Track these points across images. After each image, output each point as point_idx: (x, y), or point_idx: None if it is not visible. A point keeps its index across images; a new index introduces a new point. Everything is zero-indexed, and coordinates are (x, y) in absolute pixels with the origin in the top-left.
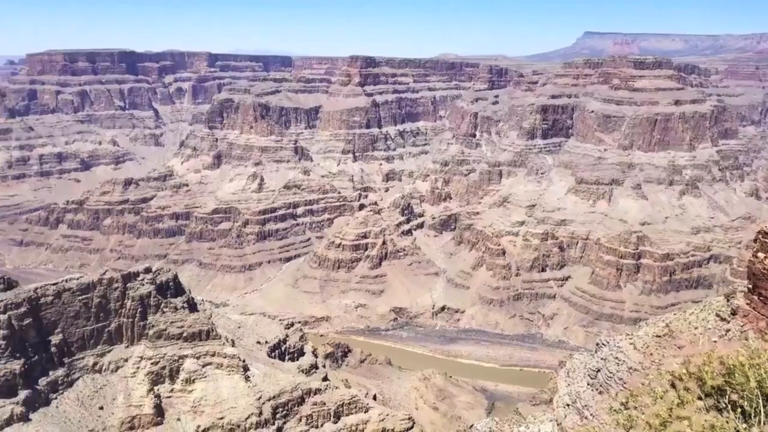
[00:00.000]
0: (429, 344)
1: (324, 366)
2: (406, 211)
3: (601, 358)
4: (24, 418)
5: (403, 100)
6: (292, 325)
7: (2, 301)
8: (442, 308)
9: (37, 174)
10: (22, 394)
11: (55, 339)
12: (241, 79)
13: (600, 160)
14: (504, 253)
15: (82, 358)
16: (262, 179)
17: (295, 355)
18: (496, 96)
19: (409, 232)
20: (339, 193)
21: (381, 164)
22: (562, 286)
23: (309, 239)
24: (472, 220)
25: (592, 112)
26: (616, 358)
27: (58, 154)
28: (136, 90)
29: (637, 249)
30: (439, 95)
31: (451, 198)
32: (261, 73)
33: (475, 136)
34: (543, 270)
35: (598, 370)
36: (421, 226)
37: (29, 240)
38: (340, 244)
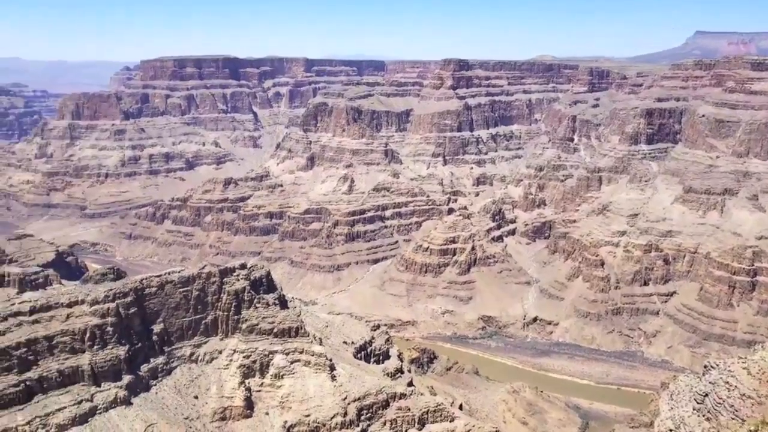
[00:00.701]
0: (519, 356)
1: (409, 371)
2: (497, 217)
3: (710, 382)
4: (126, 402)
5: (496, 103)
6: (378, 327)
7: (111, 290)
8: (534, 319)
9: (147, 172)
10: (126, 378)
11: (156, 328)
12: (336, 83)
13: (711, 167)
14: (603, 264)
15: (181, 347)
16: (352, 181)
17: (381, 357)
18: (597, 99)
19: (499, 238)
20: (428, 196)
21: (472, 168)
22: (666, 301)
23: (396, 242)
24: (569, 228)
25: (703, 116)
26: (727, 382)
27: (165, 154)
28: (237, 94)
29: (753, 265)
30: (535, 98)
31: (545, 204)
32: (355, 77)
33: (572, 140)
34: (645, 284)
35: (706, 395)
36: (512, 232)
37: (137, 234)
38: (427, 248)
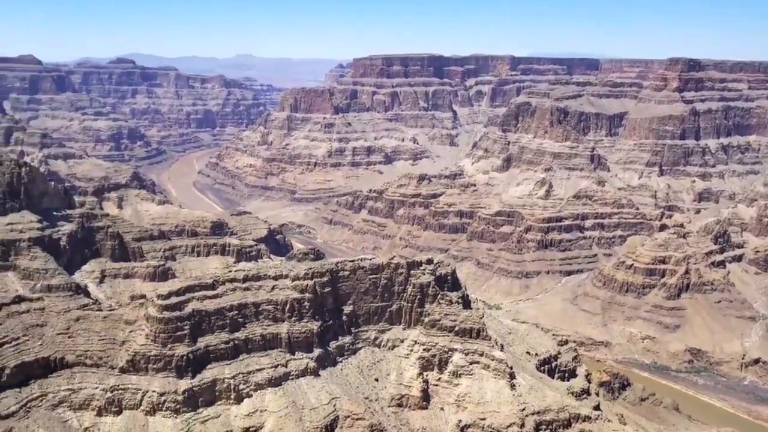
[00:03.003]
0: (731, 399)
1: (597, 394)
2: (720, 239)
3: None
4: (315, 373)
5: (731, 109)
6: (566, 342)
7: (311, 269)
8: (756, 360)
9: (349, 164)
10: (316, 351)
11: (346, 309)
12: (542, 82)
13: None
14: None
15: (366, 330)
16: (550, 186)
17: (566, 375)
18: None
19: (721, 264)
20: (637, 209)
21: (694, 181)
22: None
23: (595, 255)
24: None
25: None
26: None
27: (367, 148)
28: (439, 92)
29: None
30: None
31: None
32: (564, 76)
33: None
34: None
35: None
36: (738, 259)
37: (337, 220)
38: (631, 265)
